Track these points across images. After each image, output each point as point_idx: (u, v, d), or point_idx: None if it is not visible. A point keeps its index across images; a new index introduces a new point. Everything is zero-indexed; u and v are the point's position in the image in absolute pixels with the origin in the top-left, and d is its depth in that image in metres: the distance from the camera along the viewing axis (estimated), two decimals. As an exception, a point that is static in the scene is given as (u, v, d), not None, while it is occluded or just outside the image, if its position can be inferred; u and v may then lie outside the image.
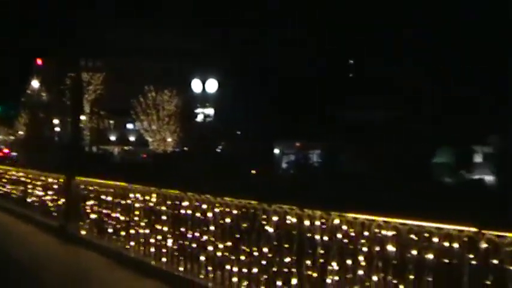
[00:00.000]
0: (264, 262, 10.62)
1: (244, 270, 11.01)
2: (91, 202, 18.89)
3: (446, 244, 8.11)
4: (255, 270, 10.81)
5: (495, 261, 7.55)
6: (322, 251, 9.75)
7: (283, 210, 10.47)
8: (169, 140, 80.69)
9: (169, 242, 13.46)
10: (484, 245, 7.67)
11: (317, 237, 9.83)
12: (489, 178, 66.05)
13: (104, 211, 17.66)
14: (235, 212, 11.46)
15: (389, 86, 77.25)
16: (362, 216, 9.30)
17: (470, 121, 64.34)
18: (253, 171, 53.68)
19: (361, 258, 9.18)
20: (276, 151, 63.51)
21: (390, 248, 8.81)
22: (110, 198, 17.33)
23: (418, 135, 58.47)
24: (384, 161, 55.76)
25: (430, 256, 8.30)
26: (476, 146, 66.91)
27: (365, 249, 9.16)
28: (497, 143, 68.10)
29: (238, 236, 11.28)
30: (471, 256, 7.82)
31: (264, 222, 10.69)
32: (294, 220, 10.25)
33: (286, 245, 10.29)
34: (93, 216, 18.64)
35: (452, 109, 65.86)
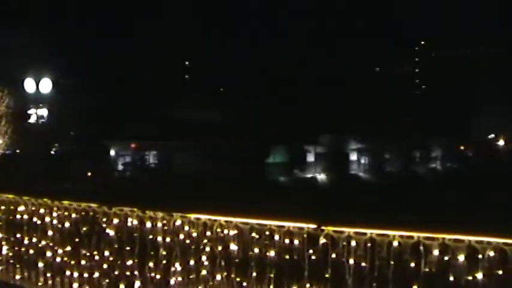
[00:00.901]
0: (105, 266, 10.39)
1: (86, 275, 10.72)
2: None
3: (287, 241, 8.34)
4: (96, 274, 10.55)
5: (333, 255, 7.89)
6: (165, 253, 9.69)
7: (124, 212, 10.28)
8: (0, 142, 76.62)
9: (4, 250, 12.81)
10: (323, 241, 7.98)
11: (159, 238, 9.75)
12: (321, 177, 69.10)
13: None
14: (74, 215, 11.12)
15: (224, 87, 78.56)
16: (204, 217, 9.33)
17: (303, 122, 66.80)
18: (89, 173, 52.44)
19: (204, 258, 9.22)
20: (112, 152, 62.33)
21: (233, 246, 8.91)
22: None
23: (254, 135, 59.71)
24: (221, 161, 56.43)
25: (272, 253, 8.50)
26: (308, 146, 69.44)
27: (208, 249, 9.21)
28: (328, 143, 71.24)
29: (78, 240, 10.96)
30: (311, 251, 8.10)
31: (105, 225, 10.46)
32: (136, 222, 10.10)
33: (128, 248, 10.12)
34: None
35: (286, 110, 68.02)
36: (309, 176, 68.28)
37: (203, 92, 73.79)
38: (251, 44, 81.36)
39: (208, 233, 9.23)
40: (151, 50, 74.74)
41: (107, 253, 10.39)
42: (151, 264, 9.78)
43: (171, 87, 76.13)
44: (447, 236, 7.25)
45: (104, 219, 10.48)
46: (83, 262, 10.79)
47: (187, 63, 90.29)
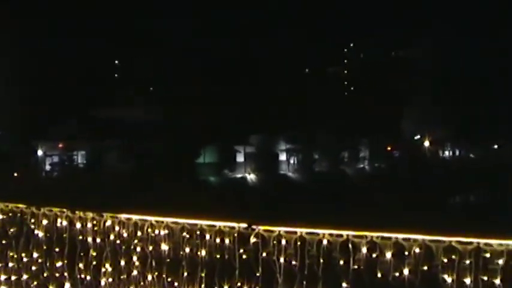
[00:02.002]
0: (34, 268, 10.21)
1: (13, 277, 10.50)
2: None
3: (218, 240, 8.39)
4: (25, 276, 10.35)
5: (264, 254, 7.98)
6: (95, 253, 9.60)
7: (54, 213, 10.12)
8: None
9: None
10: (253, 240, 8.06)
11: (89, 239, 9.65)
12: (251, 177, 69.38)
13: None
14: (1, 216, 10.88)
15: (155, 86, 77.97)
16: (135, 217, 9.29)
17: (233, 122, 66.93)
18: (16, 174, 51.24)
19: (135, 258, 9.18)
20: (40, 152, 61.00)
21: (164, 246, 8.90)
22: None
23: (184, 135, 59.50)
24: (151, 161, 56.05)
25: (203, 252, 8.53)
26: (239, 146, 69.61)
27: (139, 249, 9.17)
28: (258, 143, 71.58)
29: (5, 242, 10.72)
30: (242, 250, 8.18)
31: (33, 226, 10.27)
32: (65, 223, 9.96)
33: (58, 249, 9.97)
34: None
35: (216, 110, 67.95)
36: (239, 176, 68.47)
37: (133, 92, 73.07)
38: (181, 43, 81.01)
39: (139, 233, 9.19)
40: (81, 48, 73.52)
41: (35, 255, 10.21)
42: (81, 265, 9.68)
43: (101, 86, 75.11)
44: (375, 234, 7.43)
45: (33, 220, 10.30)
46: (10, 264, 10.57)
47: (116, 62, 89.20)
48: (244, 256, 8.22)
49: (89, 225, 9.68)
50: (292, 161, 78.79)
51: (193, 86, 70.48)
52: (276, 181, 68.01)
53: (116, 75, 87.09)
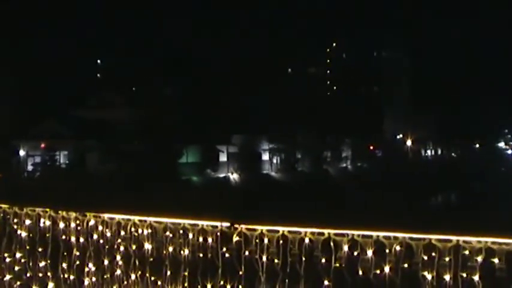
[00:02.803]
0: (17, 268, 10.19)
1: (-4, 278, 10.48)
2: None
3: (201, 239, 8.43)
4: (8, 277, 10.33)
5: (247, 253, 8.04)
6: (78, 253, 9.60)
7: (36, 213, 10.12)
8: None
9: None
10: (236, 239, 8.11)
11: (73, 239, 9.65)
12: (233, 176, 69.43)
13: None
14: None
15: (137, 86, 77.78)
16: (118, 216, 9.30)
17: (216, 122, 66.95)
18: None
19: (118, 257, 9.20)
20: (22, 152, 60.63)
21: (147, 246, 8.93)
22: None
23: (167, 134, 59.41)
24: (134, 161, 55.91)
25: (186, 252, 8.57)
26: (221, 146, 69.61)
27: (122, 248, 9.20)
28: (240, 143, 71.63)
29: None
30: (225, 249, 8.23)
31: (16, 226, 10.25)
32: (48, 223, 9.95)
33: (41, 249, 9.97)
34: None
35: (199, 110, 67.96)
36: (222, 175, 68.51)
37: (116, 91, 72.84)
38: (163, 43, 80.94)
39: (122, 233, 9.21)
40: (63, 48, 73.23)
41: (18, 255, 10.20)
42: (64, 265, 9.68)
43: (83, 86, 74.86)
44: (356, 232, 7.51)
45: (15, 220, 10.28)
46: (-7, 265, 10.55)
47: (99, 61, 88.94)
48: (227, 255, 8.27)
49: (72, 224, 9.68)
50: (275, 161, 78.96)
51: (176, 86, 70.44)
52: (259, 181, 68.13)
53: (98, 74, 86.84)
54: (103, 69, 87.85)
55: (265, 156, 78.17)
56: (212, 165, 67.55)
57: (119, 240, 9.23)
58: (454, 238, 7.22)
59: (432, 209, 54.78)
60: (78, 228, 9.65)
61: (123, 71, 78.17)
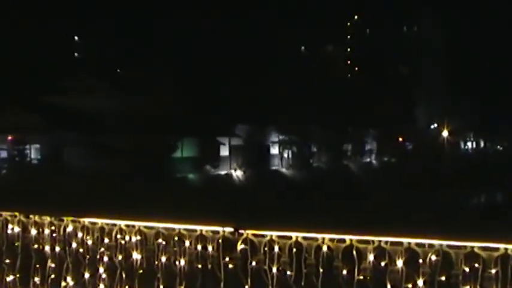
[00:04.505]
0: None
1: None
2: None
3: (200, 247, 8.43)
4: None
5: (254, 263, 8.02)
6: (53, 265, 9.61)
7: (3, 217, 10.13)
8: None
9: None
10: (241, 246, 8.10)
11: (47, 248, 9.66)
12: (237, 173, 69.54)
13: None
14: None
15: (123, 68, 77.84)
16: (101, 221, 9.30)
17: (217, 109, 66.92)
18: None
19: (102, 269, 9.20)
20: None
21: (136, 255, 8.93)
22: None
23: (159, 125, 59.43)
24: (119, 156, 56.02)
25: (182, 262, 8.57)
26: (223, 138, 69.62)
27: (106, 258, 9.19)
28: (245, 135, 71.62)
29: None
30: (228, 259, 8.23)
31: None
32: (18, 229, 9.96)
33: (8, 261, 9.98)
34: None
35: (197, 96, 67.98)
36: (224, 172, 68.62)
37: (97, 75, 72.76)
38: (154, 17, 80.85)
39: (106, 240, 9.21)
40: (32, 23, 73.16)
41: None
42: (37, 279, 9.69)
43: (57, 68, 74.72)
44: (383, 239, 7.49)
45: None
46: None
47: (76, 38, 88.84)
48: (230, 265, 8.27)
49: (47, 231, 9.70)
50: (286, 155, 79.00)
51: (169, 68, 70.38)
52: (267, 178, 68.20)
53: (75, 53, 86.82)
54: (82, 47, 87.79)
55: (275, 150, 78.20)
56: (212, 161, 67.64)
57: (102, 249, 9.24)
58: (501, 246, 7.20)
59: (477, 211, 54.83)
60: (54, 235, 9.66)
61: (107, 50, 78.11)
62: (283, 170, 76.89)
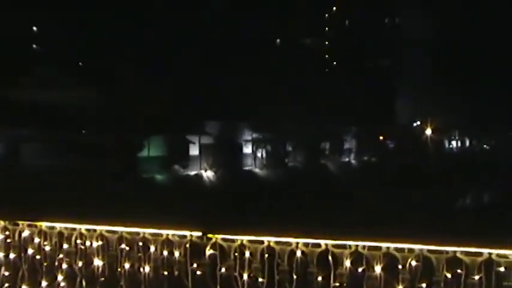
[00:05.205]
0: None
1: None
2: None
3: (166, 253, 8.41)
4: None
5: (223, 270, 8.02)
6: (7, 273, 9.54)
7: None
8: None
9: None
10: (210, 252, 8.09)
11: (0, 254, 9.58)
12: (208, 174, 69.46)
13: None
14: None
15: (84, 60, 77.39)
16: (60, 225, 9.24)
17: (186, 105, 66.74)
18: None
19: (60, 277, 9.15)
20: None
21: (97, 262, 8.89)
22: None
23: (123, 122, 59.25)
24: (81, 154, 55.77)
25: (147, 268, 8.55)
26: (192, 136, 69.47)
27: (65, 265, 9.14)
28: (217, 132, 71.56)
29: None
30: (195, 265, 8.22)
31: None
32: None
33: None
34: None
35: (164, 91, 67.73)
36: (193, 173, 68.50)
37: (57, 67, 72.29)
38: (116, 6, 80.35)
39: (65, 246, 9.16)
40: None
41: None
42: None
43: (12, 58, 74.11)
44: (360, 243, 7.52)
45: None
46: None
47: (35, 28, 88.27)
48: (198, 272, 8.27)
49: (0, 236, 9.63)
50: (259, 154, 79.00)
51: (135, 61, 70.10)
52: (239, 179, 68.17)
53: (34, 45, 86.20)
54: (41, 38, 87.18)
55: (248, 149, 78.17)
56: (181, 160, 67.50)
57: (61, 256, 9.18)
58: (485, 251, 7.25)
59: (457, 214, 55.17)
60: (8, 240, 9.59)
61: (68, 41, 77.61)
62: (257, 170, 76.89)
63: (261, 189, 65.33)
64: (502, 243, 7.23)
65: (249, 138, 78.18)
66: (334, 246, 7.62)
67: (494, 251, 7.22)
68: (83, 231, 9.05)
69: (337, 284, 7.65)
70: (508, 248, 7.16)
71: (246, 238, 7.99)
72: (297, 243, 7.75)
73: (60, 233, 9.22)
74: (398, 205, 47.91)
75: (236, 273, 8.01)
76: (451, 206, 60.21)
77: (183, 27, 77.15)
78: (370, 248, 7.51)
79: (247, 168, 76.44)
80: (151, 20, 76.40)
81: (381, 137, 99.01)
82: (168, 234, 8.46)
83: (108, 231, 8.89)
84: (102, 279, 8.90)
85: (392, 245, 7.44)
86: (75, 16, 74.52)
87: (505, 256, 7.18)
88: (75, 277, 9.06)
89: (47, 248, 9.31)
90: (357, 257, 7.56)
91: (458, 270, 7.34)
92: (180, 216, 9.59)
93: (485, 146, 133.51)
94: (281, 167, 77.65)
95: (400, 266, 7.44)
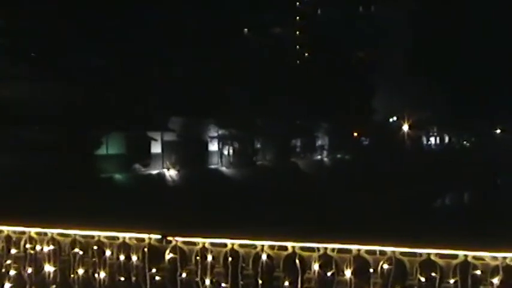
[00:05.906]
0: None
1: None
2: None
3: (123, 257, 8.39)
4: None
5: (184, 275, 8.02)
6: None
7: None
8: None
9: None
10: (170, 255, 8.09)
11: None
12: (170, 173, 69.32)
13: None
14: None
15: (38, 52, 76.95)
16: (7, 228, 9.18)
17: (147, 100, 66.57)
18: None
19: (8, 285, 9.08)
20: None
21: (48, 267, 8.84)
22: None
23: (79, 118, 58.98)
24: (33, 152, 55.46)
25: (102, 274, 8.52)
26: (154, 133, 69.29)
27: (13, 272, 9.08)
28: (180, 129, 71.45)
29: None
30: (154, 270, 8.21)
31: None
32: None
33: None
34: None
35: (123, 85, 67.52)
36: (155, 172, 68.34)
37: (11, 60, 71.91)
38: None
39: (13, 251, 9.10)
40: None
41: None
42: None
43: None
44: (329, 246, 7.54)
45: None
46: None
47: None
48: (157, 277, 8.25)
49: None
50: (226, 152, 78.97)
51: (93, 53, 69.78)
52: (204, 179, 68.14)
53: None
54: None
55: (214, 146, 78.10)
56: (142, 159, 67.31)
57: (9, 261, 9.12)
58: (460, 253, 7.31)
59: (432, 214, 55.60)
60: None
61: (23, 33, 77.20)
62: (223, 168, 76.86)
63: (227, 189, 65.40)
64: (478, 245, 7.29)
65: (215, 135, 78.11)
66: (302, 248, 7.63)
67: (470, 253, 7.28)
68: (33, 234, 8.98)
69: None
70: (484, 249, 7.23)
71: (208, 241, 7.99)
72: (262, 245, 7.76)
73: (8, 237, 9.15)
74: (370, 205, 48.23)
75: (198, 278, 8.00)
76: (426, 206, 60.65)
77: (143, 18, 76.94)
78: (340, 250, 7.53)
79: (212, 166, 76.38)
80: (111, 9, 76.18)
81: (355, 134, 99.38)
82: (125, 237, 8.42)
83: (60, 234, 8.83)
84: (54, 286, 8.85)
85: (363, 247, 7.48)
86: (25, 5, 74.17)
87: (482, 258, 7.24)
88: (24, 284, 9.00)
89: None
90: (326, 260, 7.58)
91: (433, 274, 7.39)
92: (139, 218, 9.55)
93: (465, 142, 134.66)
94: (249, 166, 77.65)
95: (371, 270, 7.48)
